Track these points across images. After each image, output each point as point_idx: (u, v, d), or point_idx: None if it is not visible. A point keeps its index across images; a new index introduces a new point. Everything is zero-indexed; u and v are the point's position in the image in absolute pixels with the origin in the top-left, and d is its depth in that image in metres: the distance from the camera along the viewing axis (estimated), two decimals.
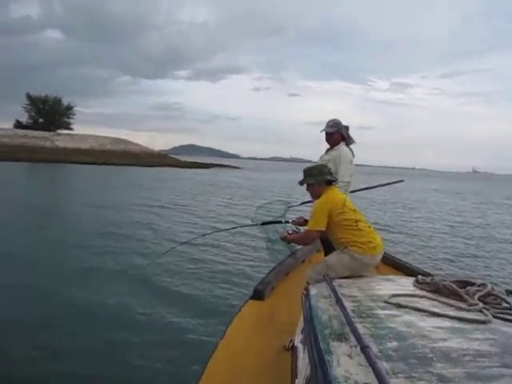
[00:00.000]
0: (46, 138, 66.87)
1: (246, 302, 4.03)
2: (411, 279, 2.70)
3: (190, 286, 7.36)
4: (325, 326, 1.97)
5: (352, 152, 4.54)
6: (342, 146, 4.48)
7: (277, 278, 4.51)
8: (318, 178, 3.46)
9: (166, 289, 7.20)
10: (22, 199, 18.13)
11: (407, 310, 2.11)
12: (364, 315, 2.07)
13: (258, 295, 4.07)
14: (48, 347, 4.93)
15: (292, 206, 5.49)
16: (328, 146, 4.71)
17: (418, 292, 2.40)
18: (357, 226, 3.27)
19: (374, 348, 1.66)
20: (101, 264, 8.48)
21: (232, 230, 10.71)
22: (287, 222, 4.08)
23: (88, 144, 68.39)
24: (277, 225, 4.95)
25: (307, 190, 3.58)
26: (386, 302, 2.23)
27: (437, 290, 2.38)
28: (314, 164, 3.64)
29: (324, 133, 4.60)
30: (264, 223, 4.25)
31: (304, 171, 3.57)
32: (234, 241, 11.12)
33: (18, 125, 77.19)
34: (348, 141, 4.55)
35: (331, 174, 3.54)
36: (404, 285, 2.62)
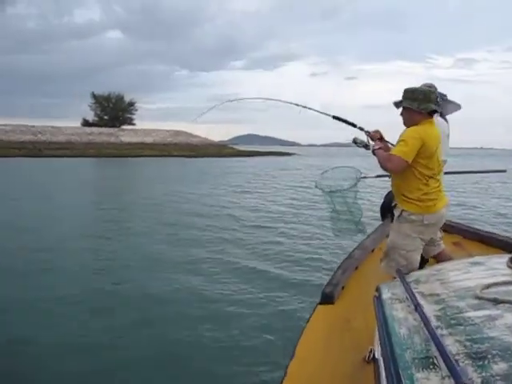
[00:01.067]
0: (112, 133, 69.62)
1: (316, 307, 3.59)
2: (503, 258, 2.21)
3: (243, 288, 6.52)
4: (404, 346, 1.56)
5: (448, 123, 3.88)
6: (438, 118, 3.78)
7: (346, 276, 4.02)
8: (421, 105, 2.91)
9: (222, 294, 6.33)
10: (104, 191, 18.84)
11: (509, 305, 1.56)
12: (453, 322, 1.57)
13: (327, 299, 3.61)
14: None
15: (365, 178, 4.95)
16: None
17: None
18: (427, 180, 2.94)
19: (475, 376, 1.20)
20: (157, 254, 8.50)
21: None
22: (362, 129, 3.45)
23: (151, 138, 70.47)
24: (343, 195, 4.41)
25: (401, 114, 3.10)
26: (478, 297, 1.70)
27: None
28: (419, 86, 3.11)
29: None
30: (336, 118, 3.71)
31: (405, 91, 3.00)
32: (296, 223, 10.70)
33: (85, 123, 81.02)
34: (444, 110, 3.88)
35: (438, 103, 3.01)
36: (495, 267, 2.12)
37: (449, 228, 4.60)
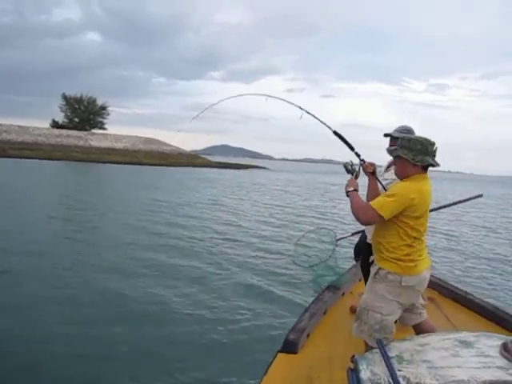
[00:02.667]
0: (80, 137, 67.87)
1: (276, 355, 3.20)
2: (492, 339, 2.09)
3: (202, 328, 5.64)
4: None
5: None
6: None
7: (313, 321, 3.66)
8: (416, 156, 2.62)
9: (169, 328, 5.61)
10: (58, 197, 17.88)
11: None
12: None
13: (289, 347, 3.24)
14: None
15: (341, 239, 4.83)
16: (390, 159, 3.74)
17: None
18: (412, 242, 2.66)
19: None
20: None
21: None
22: (358, 155, 3.18)
23: (121, 144, 69.16)
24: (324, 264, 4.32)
25: (394, 164, 2.86)
26: None
27: None
28: (416, 136, 2.83)
29: (388, 139, 3.61)
30: (337, 134, 3.32)
31: (401, 139, 2.72)
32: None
33: (54, 124, 79.05)
34: None
35: (435, 156, 2.71)
36: (487, 353, 1.93)
37: None
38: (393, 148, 2.81)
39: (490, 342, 2.06)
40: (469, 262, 10.78)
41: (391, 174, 3.61)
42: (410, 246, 2.65)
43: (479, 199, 5.04)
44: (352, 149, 3.24)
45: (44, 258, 8.39)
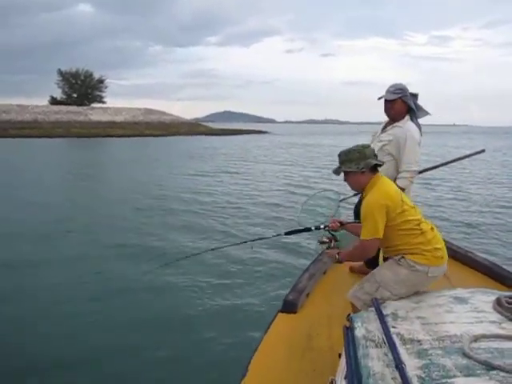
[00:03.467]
0: (80, 112, 67.45)
1: (276, 315, 3.27)
2: (487, 294, 2.11)
3: (204, 293, 5.79)
4: None
5: (420, 130, 3.65)
6: (408, 122, 3.61)
7: (312, 281, 3.71)
8: (359, 164, 2.68)
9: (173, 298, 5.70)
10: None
11: (503, 375, 1.39)
12: None
13: (289, 308, 3.31)
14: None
15: (344, 199, 4.81)
16: (386, 120, 3.77)
17: (508, 326, 1.75)
18: (420, 228, 2.63)
19: None
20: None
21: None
22: (318, 228, 3.24)
23: (121, 117, 68.69)
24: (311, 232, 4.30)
25: (345, 180, 2.83)
26: (467, 356, 1.52)
27: None
28: (351, 147, 2.87)
29: (383, 101, 3.65)
30: (288, 233, 3.48)
31: (339, 155, 2.80)
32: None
33: (53, 101, 78.43)
34: (416, 113, 3.67)
35: (375, 156, 2.78)
36: (481, 308, 1.96)
37: None
38: (337, 168, 2.81)
39: (485, 297, 2.08)
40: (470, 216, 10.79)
41: (387, 136, 3.68)
42: (420, 234, 2.62)
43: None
44: (309, 230, 3.27)
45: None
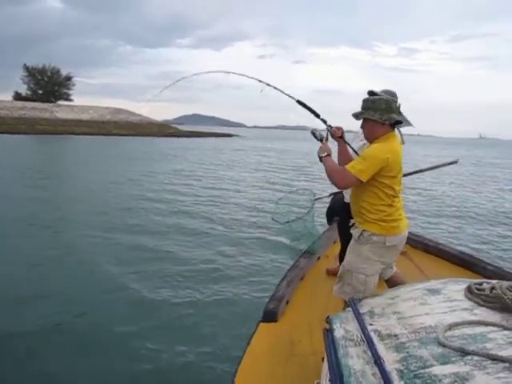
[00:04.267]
0: (46, 109, 65.79)
1: (258, 325, 3.29)
2: (458, 283, 2.15)
3: (184, 301, 5.54)
4: None
5: (402, 137, 3.49)
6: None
7: (291, 288, 3.75)
8: (383, 115, 2.65)
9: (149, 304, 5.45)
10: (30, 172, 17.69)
11: (477, 359, 1.44)
12: (418, 382, 1.42)
13: (270, 317, 3.34)
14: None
15: (319, 199, 4.95)
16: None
17: (479, 311, 1.79)
18: (392, 201, 2.71)
19: None
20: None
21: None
22: (324, 121, 3.09)
23: (88, 115, 67.43)
24: (301, 221, 4.35)
25: (362, 127, 2.83)
26: (442, 344, 1.56)
27: (504, 307, 1.75)
28: (380, 96, 2.86)
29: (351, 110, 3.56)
30: (301, 103, 3.22)
31: (365, 101, 2.75)
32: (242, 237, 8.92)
33: (18, 97, 76.31)
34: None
35: (400, 113, 2.77)
36: (453, 297, 2.00)
37: None
38: (359, 112, 2.78)
39: (456, 286, 2.10)
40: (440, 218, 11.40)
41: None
42: (390, 205, 2.70)
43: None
44: (317, 116, 3.16)
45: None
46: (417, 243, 4.90)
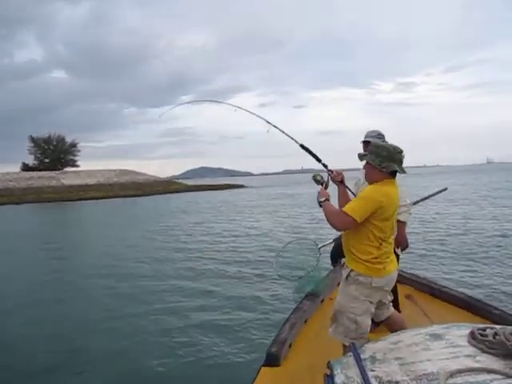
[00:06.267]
0: (53, 177, 67.02)
1: (260, 369, 3.20)
2: (461, 329, 2.09)
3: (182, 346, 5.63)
4: None
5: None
6: None
7: (294, 332, 3.67)
8: (383, 163, 2.74)
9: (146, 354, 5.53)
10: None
11: None
12: None
13: (272, 361, 3.25)
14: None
15: (323, 246, 4.80)
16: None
17: (482, 358, 1.76)
18: (380, 243, 2.76)
19: None
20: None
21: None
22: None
23: (95, 179, 68.34)
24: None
25: (364, 168, 2.93)
26: None
27: (507, 353, 1.74)
28: (386, 143, 3.03)
29: (362, 144, 3.93)
30: (304, 147, 3.39)
31: (371, 145, 2.90)
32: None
33: (25, 167, 77.86)
34: None
35: (401, 163, 2.82)
36: (456, 343, 1.95)
37: (401, 278, 4.54)
38: (363, 154, 2.93)
39: (460, 331, 2.07)
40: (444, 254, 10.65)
41: None
42: (378, 248, 2.75)
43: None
44: (319, 160, 3.30)
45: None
46: (422, 286, 4.86)
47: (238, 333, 6.04)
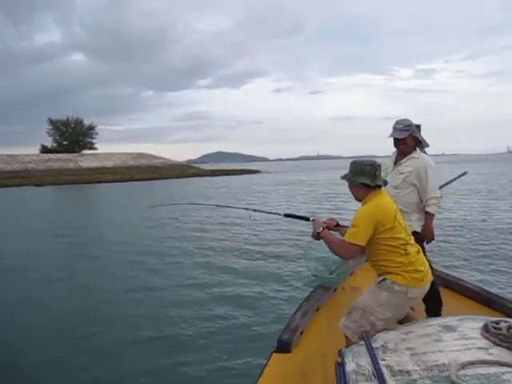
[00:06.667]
0: (70, 159, 67.71)
1: (271, 355, 3.23)
2: (475, 321, 2.10)
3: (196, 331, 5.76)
4: None
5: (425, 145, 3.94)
6: (422, 154, 3.85)
7: (306, 319, 3.67)
8: (352, 177, 2.83)
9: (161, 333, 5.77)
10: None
11: None
12: None
13: (283, 347, 3.28)
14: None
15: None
16: (394, 151, 3.98)
17: (495, 351, 1.76)
18: (405, 249, 2.69)
19: None
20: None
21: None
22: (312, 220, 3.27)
23: (112, 162, 68.86)
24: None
25: (349, 187, 2.94)
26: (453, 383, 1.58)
27: None
28: (364, 159, 3.02)
29: (392, 138, 3.87)
30: (288, 215, 3.64)
31: (353, 165, 2.89)
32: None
33: (44, 149, 78.82)
34: (423, 144, 3.92)
35: (375, 175, 2.86)
36: (469, 335, 1.96)
37: None
38: (344, 174, 2.95)
39: (473, 324, 2.06)
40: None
41: (406, 167, 3.78)
42: (405, 253, 2.68)
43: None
44: (307, 219, 3.35)
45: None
46: (436, 278, 4.57)
47: (247, 319, 6.12)
